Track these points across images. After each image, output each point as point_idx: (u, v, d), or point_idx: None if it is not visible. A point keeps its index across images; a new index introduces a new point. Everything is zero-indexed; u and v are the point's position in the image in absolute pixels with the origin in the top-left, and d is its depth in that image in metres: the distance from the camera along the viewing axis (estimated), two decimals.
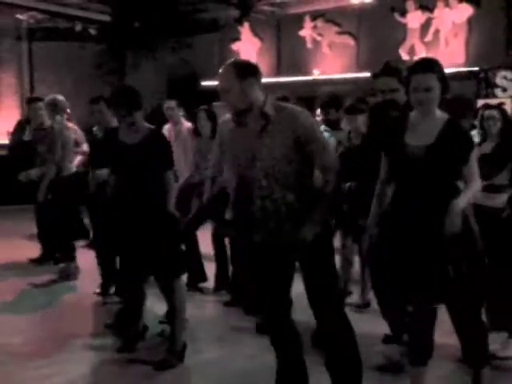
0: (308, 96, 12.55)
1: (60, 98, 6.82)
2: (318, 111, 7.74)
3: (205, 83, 15.88)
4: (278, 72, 16.64)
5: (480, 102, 9.90)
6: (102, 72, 16.85)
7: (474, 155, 3.35)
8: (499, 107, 5.34)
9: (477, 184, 3.35)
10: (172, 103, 7.15)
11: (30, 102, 7.40)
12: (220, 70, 3.42)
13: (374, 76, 4.35)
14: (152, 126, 4.49)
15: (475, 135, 5.51)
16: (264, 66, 16.81)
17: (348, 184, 5.05)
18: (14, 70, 17.33)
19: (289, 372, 3.56)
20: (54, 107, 6.65)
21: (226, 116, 6.23)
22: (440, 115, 3.32)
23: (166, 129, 7.12)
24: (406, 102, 3.64)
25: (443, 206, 3.19)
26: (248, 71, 3.37)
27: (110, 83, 17.20)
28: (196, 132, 6.37)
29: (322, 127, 6.30)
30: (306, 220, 3.26)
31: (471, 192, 3.31)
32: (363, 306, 5.49)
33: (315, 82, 15.31)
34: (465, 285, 3.20)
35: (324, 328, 3.46)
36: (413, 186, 3.29)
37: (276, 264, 3.42)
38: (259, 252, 3.45)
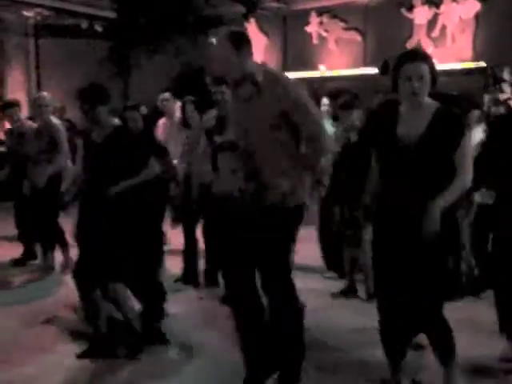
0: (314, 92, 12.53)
1: (45, 94, 6.77)
2: (324, 100, 7.69)
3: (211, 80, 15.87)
4: (285, 68, 16.60)
5: (487, 98, 9.87)
6: (108, 69, 16.87)
7: (468, 143, 3.24)
8: (507, 103, 5.32)
9: (465, 178, 3.20)
10: (167, 95, 7.12)
11: (5, 107, 6.97)
12: (214, 41, 3.46)
13: (382, 73, 4.33)
14: (118, 123, 4.36)
15: (479, 131, 5.47)
16: (270, 62, 16.79)
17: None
18: (21, 67, 17.38)
19: (249, 344, 3.57)
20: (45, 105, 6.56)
21: None
22: (429, 104, 3.26)
23: (162, 122, 7.10)
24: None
25: (431, 196, 3.14)
26: (243, 41, 3.40)
27: (116, 80, 17.26)
28: (184, 123, 6.28)
29: (329, 121, 6.30)
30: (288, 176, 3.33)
31: (456, 189, 3.19)
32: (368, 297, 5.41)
33: (321, 78, 15.28)
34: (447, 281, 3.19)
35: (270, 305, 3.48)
36: (405, 179, 3.22)
37: (245, 233, 3.44)
38: (235, 220, 3.49)
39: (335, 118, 6.09)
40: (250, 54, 3.42)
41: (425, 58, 3.26)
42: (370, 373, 3.79)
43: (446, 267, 3.19)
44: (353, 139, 5.12)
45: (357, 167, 4.11)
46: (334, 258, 5.99)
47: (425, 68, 3.18)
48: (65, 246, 6.46)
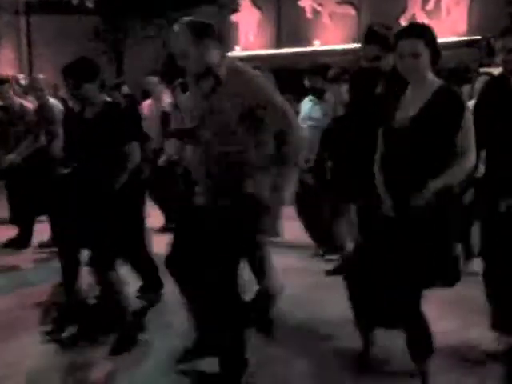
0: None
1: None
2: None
3: None
4: (278, 43, 16.51)
5: (482, 70, 9.83)
6: (100, 45, 16.74)
7: (469, 123, 3.07)
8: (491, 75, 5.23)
9: (469, 160, 3.07)
10: (154, 79, 7.02)
11: None
12: (175, 31, 3.27)
13: (366, 42, 4.17)
14: (109, 99, 4.25)
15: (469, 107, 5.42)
16: (264, 37, 16.69)
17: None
18: (12, 45, 17.23)
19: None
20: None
21: None
22: (432, 82, 3.11)
23: (147, 104, 7.02)
24: (392, 71, 3.44)
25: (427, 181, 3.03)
26: (204, 32, 3.23)
27: (108, 56, 17.13)
28: (175, 106, 6.21)
29: (308, 97, 6.20)
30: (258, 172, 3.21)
31: (459, 171, 3.06)
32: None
33: (316, 53, 15.19)
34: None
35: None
36: (400, 163, 3.11)
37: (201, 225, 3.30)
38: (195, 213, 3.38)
39: (315, 93, 5.97)
40: (214, 46, 3.22)
41: (420, 33, 3.07)
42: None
43: (434, 253, 3.10)
44: (339, 113, 5.06)
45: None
46: (320, 232, 6.03)
47: (419, 44, 3.02)
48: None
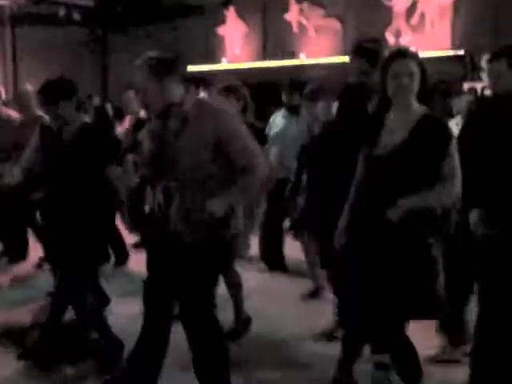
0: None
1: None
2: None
3: (191, 68, 15.78)
4: (264, 56, 16.58)
5: (466, 86, 9.92)
6: (85, 58, 16.73)
7: (454, 149, 3.02)
8: (475, 92, 5.25)
9: (451, 185, 3.01)
10: (130, 94, 6.98)
11: None
12: (136, 66, 3.16)
13: (356, 54, 4.13)
14: (85, 119, 4.15)
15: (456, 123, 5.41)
16: (250, 50, 16.76)
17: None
18: None
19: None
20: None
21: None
22: (417, 109, 3.08)
23: (128, 119, 6.98)
24: (381, 95, 3.40)
25: (411, 217, 2.96)
26: (164, 68, 3.11)
27: (94, 68, 17.12)
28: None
29: (282, 112, 6.18)
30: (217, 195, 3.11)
31: (433, 194, 2.99)
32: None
33: (301, 66, 15.27)
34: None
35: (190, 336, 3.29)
36: (380, 190, 3.07)
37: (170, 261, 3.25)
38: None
39: (291, 110, 5.93)
40: (176, 81, 3.12)
41: (414, 55, 3.11)
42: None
43: (416, 285, 3.08)
44: (315, 132, 4.99)
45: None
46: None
47: (414, 65, 3.04)
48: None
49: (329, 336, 4.34)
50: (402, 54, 3.10)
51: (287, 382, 3.81)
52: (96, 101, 7.27)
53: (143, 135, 3.62)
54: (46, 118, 6.24)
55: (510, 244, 3.14)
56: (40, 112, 6.39)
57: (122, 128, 6.84)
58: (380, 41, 4.02)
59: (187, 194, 3.16)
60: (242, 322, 4.53)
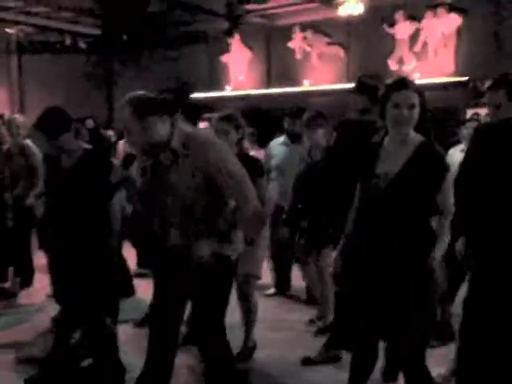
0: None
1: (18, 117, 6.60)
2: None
3: (196, 95, 15.88)
4: (268, 83, 16.67)
5: (469, 112, 9.93)
6: (92, 85, 16.85)
7: (449, 182, 3.07)
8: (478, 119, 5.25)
9: (448, 220, 3.06)
10: (110, 132, 7.02)
11: None
12: (118, 107, 3.20)
13: (356, 91, 4.13)
14: (88, 147, 4.17)
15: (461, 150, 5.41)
16: (254, 77, 16.86)
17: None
18: (4, 84, 17.31)
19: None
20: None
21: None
22: (414, 138, 3.10)
23: (122, 143, 6.99)
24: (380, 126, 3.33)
25: (410, 243, 3.00)
26: (146, 109, 3.12)
27: (100, 96, 17.24)
28: None
29: (282, 139, 6.17)
30: (207, 235, 3.18)
31: (443, 236, 3.05)
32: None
33: (305, 93, 15.34)
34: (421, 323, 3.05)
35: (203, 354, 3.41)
36: (378, 220, 3.07)
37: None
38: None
39: (293, 138, 5.92)
40: (160, 120, 3.13)
41: (415, 86, 3.12)
42: None
43: (423, 312, 3.08)
44: (315, 158, 5.00)
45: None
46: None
47: (415, 97, 3.05)
48: (28, 285, 6.32)
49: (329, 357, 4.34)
50: (404, 84, 3.10)
51: None
52: (90, 124, 7.27)
53: (134, 171, 3.65)
54: (33, 146, 6.26)
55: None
56: (27, 141, 6.38)
57: (116, 157, 6.84)
58: (381, 76, 4.02)
59: (183, 223, 3.19)
60: (248, 348, 4.51)
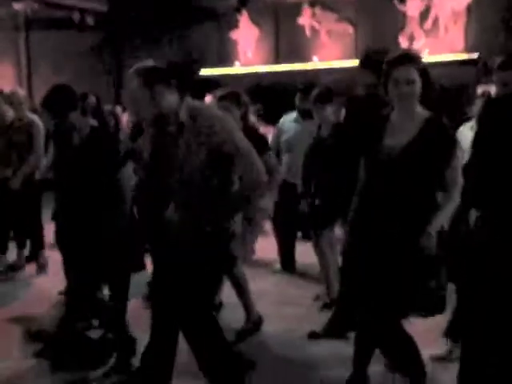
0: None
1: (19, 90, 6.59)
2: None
3: (204, 72, 15.84)
4: (277, 60, 16.57)
5: (479, 89, 9.85)
6: (100, 61, 16.81)
7: (458, 158, 3.06)
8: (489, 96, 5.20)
9: (455, 195, 3.06)
10: (118, 109, 6.98)
11: None
12: (127, 76, 3.19)
13: (362, 67, 4.09)
14: (95, 124, 4.16)
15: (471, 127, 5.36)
16: (262, 54, 16.77)
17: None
18: (12, 61, 17.25)
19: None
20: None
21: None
22: (421, 113, 3.09)
23: (125, 117, 6.97)
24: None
25: (416, 218, 3.00)
26: (154, 78, 3.12)
27: (108, 73, 17.20)
28: None
29: (294, 116, 6.13)
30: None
31: (447, 208, 3.05)
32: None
33: (314, 70, 15.25)
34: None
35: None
36: (385, 193, 3.06)
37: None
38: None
39: (304, 114, 5.88)
40: (168, 90, 3.12)
41: (415, 61, 3.08)
42: None
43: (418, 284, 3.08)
44: (323, 135, 4.98)
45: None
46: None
47: (414, 72, 3.03)
48: (41, 249, 6.35)
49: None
50: (402, 60, 3.07)
51: (301, 382, 3.81)
52: (92, 100, 7.26)
53: (141, 142, 3.65)
54: (36, 119, 6.27)
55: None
56: (31, 115, 6.38)
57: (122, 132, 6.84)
58: (388, 51, 3.99)
59: (185, 198, 3.18)
60: (252, 322, 4.55)
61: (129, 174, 4.02)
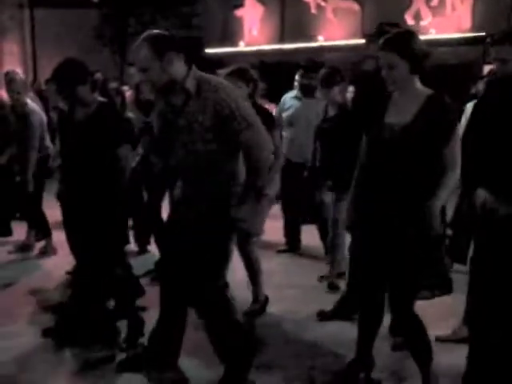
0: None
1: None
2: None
3: (209, 50, 15.77)
4: (282, 38, 16.48)
5: (486, 68, 9.80)
6: (104, 39, 16.74)
7: (457, 136, 3.05)
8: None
9: (455, 174, 3.05)
10: (131, 69, 6.88)
11: None
12: (135, 46, 3.15)
13: (371, 39, 4.06)
14: (102, 99, 4.14)
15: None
16: (267, 32, 16.67)
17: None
18: (16, 39, 17.22)
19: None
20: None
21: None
22: (422, 90, 3.08)
23: (128, 94, 6.89)
24: None
25: (417, 196, 3.01)
26: (166, 45, 3.11)
27: (112, 51, 17.13)
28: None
29: (295, 92, 6.09)
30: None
31: (448, 186, 3.03)
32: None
33: (319, 49, 15.17)
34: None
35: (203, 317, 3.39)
36: (386, 171, 3.08)
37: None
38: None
39: (305, 91, 5.84)
40: (177, 59, 3.13)
41: (395, 45, 3.04)
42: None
43: (424, 262, 3.10)
44: (329, 115, 4.97)
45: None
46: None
47: (393, 57, 3.00)
48: (46, 232, 6.37)
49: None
50: (383, 45, 3.07)
51: (307, 361, 3.83)
52: (98, 77, 7.24)
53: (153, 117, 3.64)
54: (32, 104, 6.24)
55: None
56: (27, 99, 6.34)
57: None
58: (399, 25, 3.96)
59: (191, 171, 3.19)
60: (260, 303, 4.57)
61: (125, 155, 4.03)
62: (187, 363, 3.63)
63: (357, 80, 4.29)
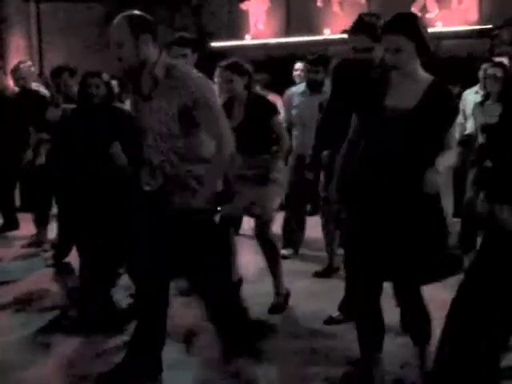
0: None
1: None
2: (298, 65, 7.33)
3: (214, 44, 15.72)
4: (288, 32, 16.42)
5: (495, 60, 9.75)
6: (107, 34, 16.71)
7: (455, 123, 3.15)
8: (503, 66, 5.19)
9: (451, 153, 3.11)
10: (105, 76, 6.90)
11: None
12: (114, 22, 3.24)
13: (345, 32, 4.09)
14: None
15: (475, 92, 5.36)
16: (273, 25, 16.63)
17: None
18: (22, 32, 17.21)
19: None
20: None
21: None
22: (424, 76, 3.08)
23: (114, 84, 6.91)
24: (381, 61, 3.33)
25: (416, 176, 3.00)
26: (143, 26, 3.20)
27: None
28: None
29: (302, 88, 6.06)
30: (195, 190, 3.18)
31: (443, 163, 3.06)
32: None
33: (325, 42, 15.11)
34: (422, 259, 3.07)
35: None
36: (386, 153, 3.07)
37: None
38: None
39: (313, 87, 5.80)
40: (152, 41, 3.19)
41: (402, 28, 3.01)
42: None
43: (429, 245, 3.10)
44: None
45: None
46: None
47: (401, 40, 2.98)
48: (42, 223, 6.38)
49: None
50: (389, 28, 3.06)
51: (305, 355, 3.84)
52: (105, 77, 7.27)
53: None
54: (44, 91, 6.28)
55: None
56: (36, 86, 6.38)
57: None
58: (379, 15, 3.96)
59: (163, 157, 3.21)
60: (282, 296, 4.54)
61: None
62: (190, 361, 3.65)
63: (335, 69, 4.30)
